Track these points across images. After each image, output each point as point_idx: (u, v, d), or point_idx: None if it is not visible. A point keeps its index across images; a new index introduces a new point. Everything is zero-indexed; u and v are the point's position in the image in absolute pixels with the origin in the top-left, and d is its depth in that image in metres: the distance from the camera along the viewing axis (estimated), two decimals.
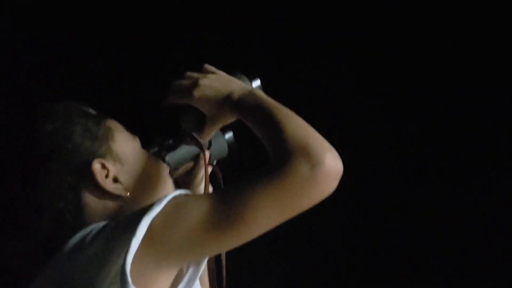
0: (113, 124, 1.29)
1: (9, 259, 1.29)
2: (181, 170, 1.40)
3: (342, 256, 2.59)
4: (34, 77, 2.38)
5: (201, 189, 1.43)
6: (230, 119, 1.28)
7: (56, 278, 1.17)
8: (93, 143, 1.24)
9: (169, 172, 1.35)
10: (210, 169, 1.38)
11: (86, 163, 1.22)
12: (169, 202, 1.12)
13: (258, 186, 1.10)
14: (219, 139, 1.42)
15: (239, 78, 1.32)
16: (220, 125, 1.31)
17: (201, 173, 1.41)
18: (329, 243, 2.57)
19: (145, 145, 1.33)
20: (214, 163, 1.43)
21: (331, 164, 1.11)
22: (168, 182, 1.31)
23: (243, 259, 1.57)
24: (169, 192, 1.18)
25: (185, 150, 1.36)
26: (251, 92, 1.24)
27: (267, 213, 1.10)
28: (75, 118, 1.24)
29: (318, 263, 2.59)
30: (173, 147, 1.35)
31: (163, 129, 1.36)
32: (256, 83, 1.36)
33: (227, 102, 1.24)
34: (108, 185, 1.22)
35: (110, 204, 1.23)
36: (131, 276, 1.06)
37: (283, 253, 2.56)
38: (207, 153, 1.36)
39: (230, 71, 1.32)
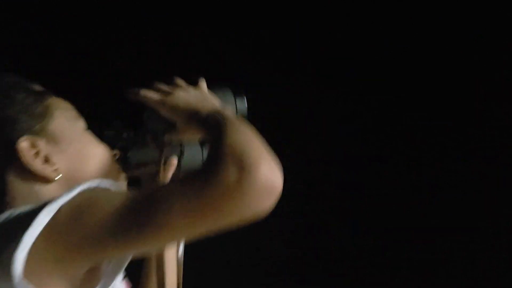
0: (55, 102, 1.21)
1: None
2: (144, 170, 1.32)
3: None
4: None
5: None
6: (196, 135, 1.21)
7: None
8: (27, 119, 1.16)
9: (130, 169, 1.29)
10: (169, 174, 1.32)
11: (14, 140, 1.14)
12: (80, 193, 1.02)
13: (178, 188, 0.99)
14: (194, 150, 1.34)
15: (224, 93, 1.28)
16: (186, 137, 1.24)
17: (166, 179, 1.33)
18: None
19: (100, 126, 1.27)
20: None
21: (266, 176, 0.96)
22: (110, 167, 1.23)
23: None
24: (105, 176, 1.13)
25: (152, 152, 1.29)
26: (220, 112, 1.14)
27: (183, 220, 0.97)
28: (13, 92, 1.17)
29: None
30: (133, 141, 1.29)
31: (125, 117, 1.29)
32: (241, 101, 1.29)
33: (194, 118, 1.16)
34: (36, 164, 1.13)
35: (38, 187, 1.14)
36: (25, 272, 0.98)
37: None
38: (174, 161, 1.31)
39: (217, 85, 1.28)
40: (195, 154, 1.33)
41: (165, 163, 1.31)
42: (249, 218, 0.98)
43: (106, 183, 1.07)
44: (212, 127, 1.10)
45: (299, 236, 2.61)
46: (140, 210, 0.98)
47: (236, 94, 1.29)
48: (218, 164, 0.97)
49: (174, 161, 1.31)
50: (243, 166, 0.95)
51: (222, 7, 2.51)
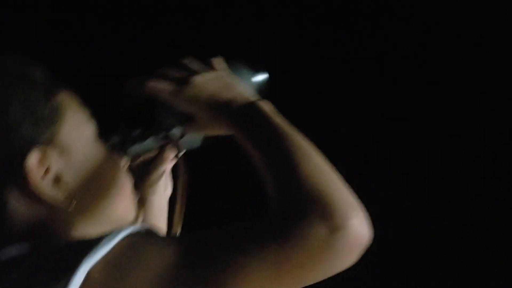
0: (66, 99, 0.94)
1: None
2: (137, 160, 1.12)
3: None
4: None
5: (155, 190, 1.15)
6: (223, 132, 1.01)
7: None
8: (34, 125, 0.90)
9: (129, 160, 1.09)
10: (170, 164, 1.13)
11: (19, 154, 0.88)
12: (120, 242, 0.83)
13: (252, 245, 0.81)
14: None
15: (239, 71, 1.07)
16: (207, 133, 1.06)
17: (161, 170, 1.13)
18: None
19: (104, 132, 1.01)
20: (181, 154, 1.13)
21: (358, 231, 0.83)
22: (126, 188, 0.99)
23: None
24: (125, 202, 0.96)
25: (151, 141, 1.08)
26: (256, 106, 0.96)
27: (259, 285, 0.81)
28: (13, 88, 0.90)
29: None
30: (141, 140, 1.08)
31: (130, 114, 1.07)
32: (262, 78, 1.08)
33: (223, 112, 0.97)
34: (45, 188, 0.89)
35: (42, 213, 0.90)
36: None
37: None
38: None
39: (229, 60, 1.06)
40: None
41: (162, 148, 1.12)
42: (330, 275, 0.85)
43: (144, 226, 0.87)
44: (256, 132, 0.94)
45: None
46: (205, 268, 0.80)
47: (257, 71, 1.07)
48: (301, 215, 0.82)
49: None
50: (334, 220, 0.81)
51: None
